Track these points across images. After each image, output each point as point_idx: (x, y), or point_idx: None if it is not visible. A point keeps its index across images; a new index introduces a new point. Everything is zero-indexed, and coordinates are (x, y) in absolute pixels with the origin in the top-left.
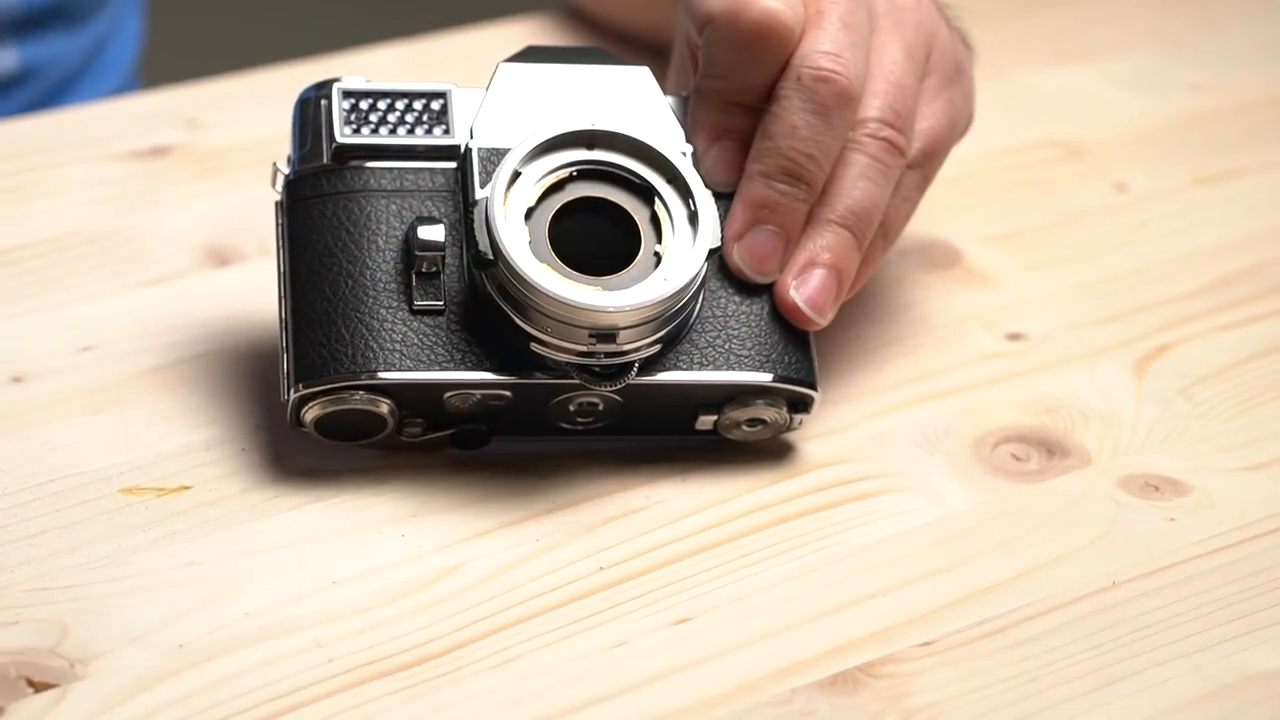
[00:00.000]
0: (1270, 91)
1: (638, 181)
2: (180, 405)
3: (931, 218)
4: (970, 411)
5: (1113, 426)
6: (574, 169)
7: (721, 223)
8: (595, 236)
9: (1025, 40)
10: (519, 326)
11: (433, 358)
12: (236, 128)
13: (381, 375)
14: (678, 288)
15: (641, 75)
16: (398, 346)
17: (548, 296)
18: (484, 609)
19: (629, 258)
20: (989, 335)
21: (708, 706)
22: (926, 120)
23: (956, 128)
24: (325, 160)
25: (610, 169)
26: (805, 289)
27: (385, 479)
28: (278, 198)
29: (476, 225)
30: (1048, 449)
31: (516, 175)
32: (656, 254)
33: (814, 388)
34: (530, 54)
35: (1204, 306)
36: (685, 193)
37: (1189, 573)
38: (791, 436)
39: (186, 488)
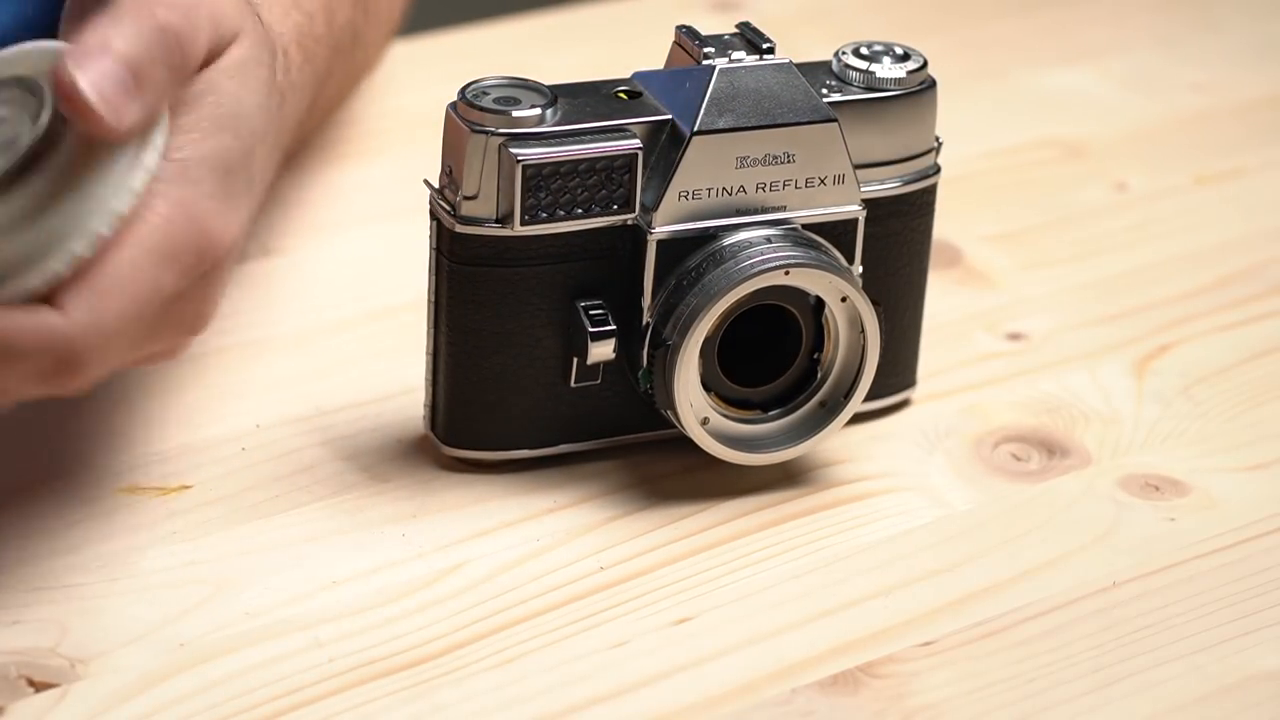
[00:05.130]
0: (1270, 91)
1: (812, 302)
2: (180, 405)
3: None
4: (970, 411)
5: (1113, 426)
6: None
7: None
8: (758, 338)
9: (1025, 40)
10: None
11: (583, 429)
12: None
13: (529, 453)
14: (842, 421)
15: (829, 132)
16: (549, 422)
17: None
18: (484, 609)
19: (789, 358)
20: (989, 335)
21: (708, 706)
22: None
23: None
24: (496, 227)
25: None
26: None
27: (385, 479)
28: (435, 225)
29: (654, 368)
30: (1048, 449)
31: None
32: (815, 359)
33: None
34: (719, 109)
35: (1204, 306)
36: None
37: (1189, 573)
38: None
39: (187, 487)
